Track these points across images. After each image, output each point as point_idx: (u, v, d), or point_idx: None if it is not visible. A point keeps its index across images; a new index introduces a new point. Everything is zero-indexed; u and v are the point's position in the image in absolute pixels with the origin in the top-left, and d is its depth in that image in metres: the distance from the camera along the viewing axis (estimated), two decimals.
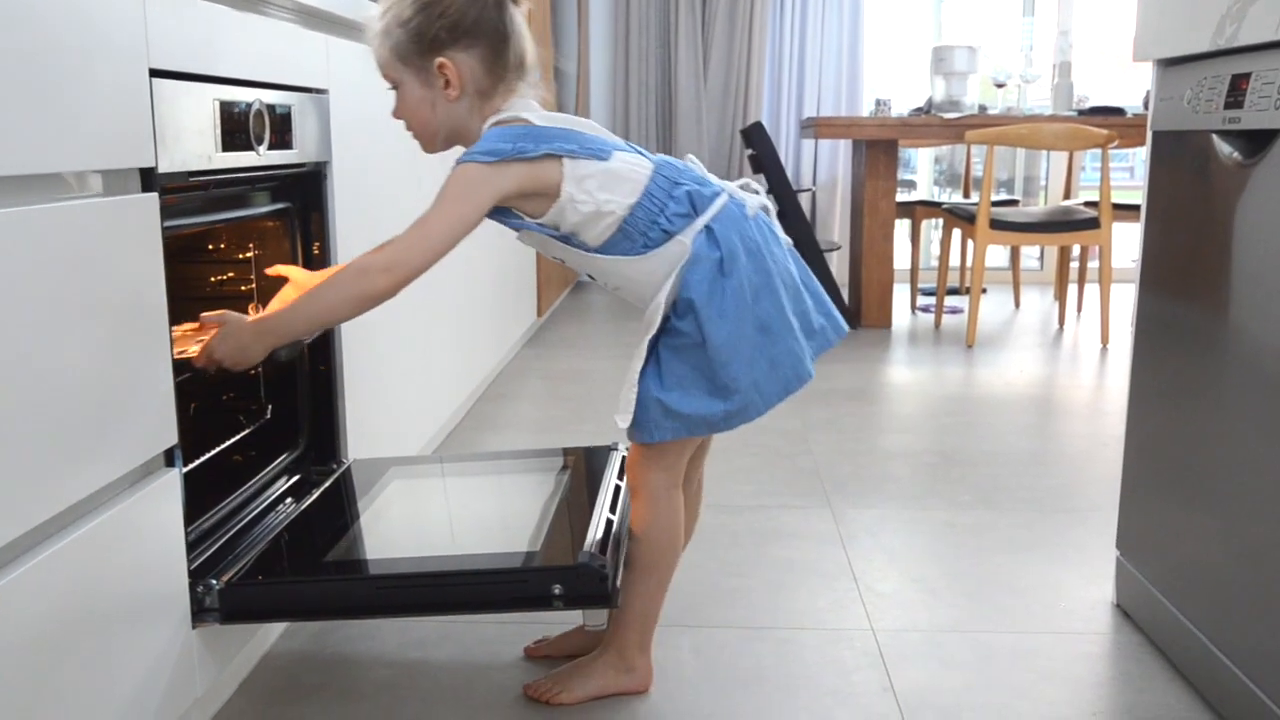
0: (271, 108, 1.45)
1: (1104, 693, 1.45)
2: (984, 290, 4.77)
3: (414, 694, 1.44)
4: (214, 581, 1.27)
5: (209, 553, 1.34)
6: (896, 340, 4.07)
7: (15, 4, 0.91)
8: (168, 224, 1.17)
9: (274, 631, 1.58)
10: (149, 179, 1.14)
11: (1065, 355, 3.81)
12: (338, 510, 1.56)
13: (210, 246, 1.70)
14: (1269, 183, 1.25)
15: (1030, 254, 5.67)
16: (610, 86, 5.55)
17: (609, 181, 1.29)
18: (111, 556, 1.08)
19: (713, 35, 5.39)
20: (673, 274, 1.30)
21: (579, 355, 3.75)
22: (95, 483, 1.05)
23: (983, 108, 4.56)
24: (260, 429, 1.69)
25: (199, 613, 1.26)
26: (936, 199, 5.29)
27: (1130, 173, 7.15)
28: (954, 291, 4.94)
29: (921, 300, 4.86)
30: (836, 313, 1.41)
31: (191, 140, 1.24)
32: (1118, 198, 3.95)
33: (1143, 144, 1.66)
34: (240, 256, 1.69)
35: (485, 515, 1.63)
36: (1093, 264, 4.76)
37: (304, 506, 1.55)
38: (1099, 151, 3.85)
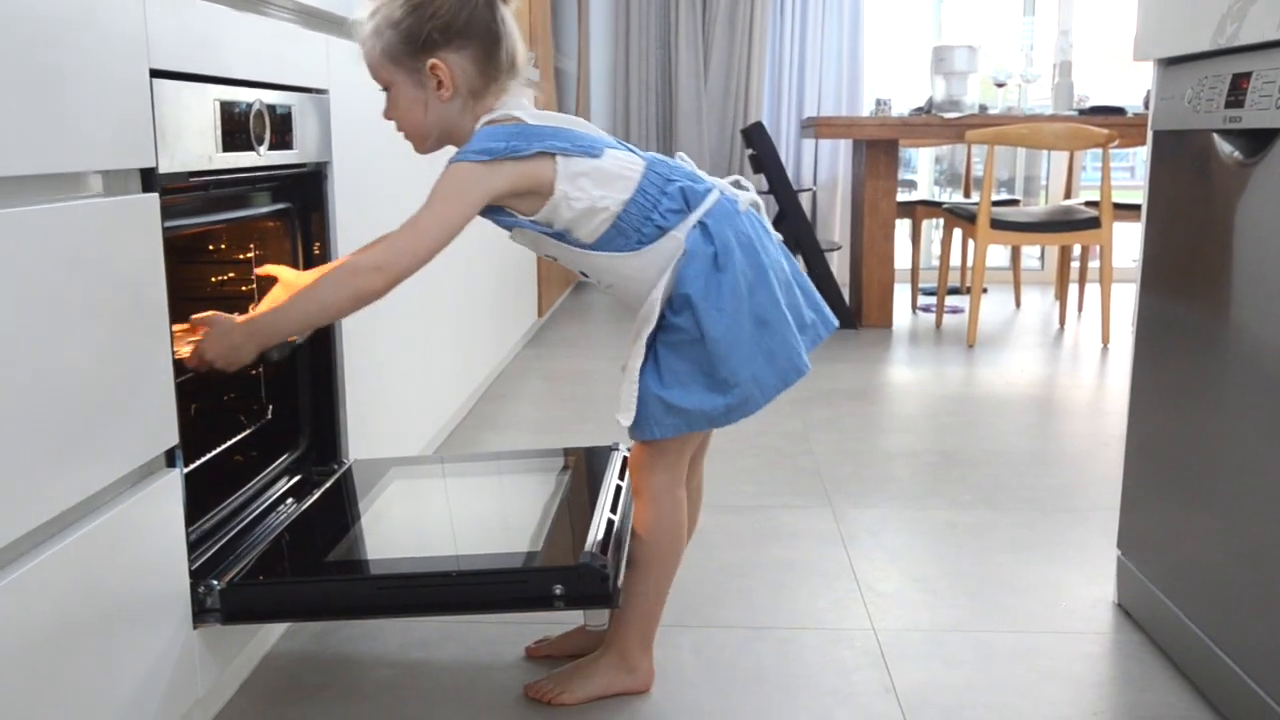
0: (272, 108, 1.45)
1: (1105, 692, 1.45)
2: (985, 290, 4.77)
3: (416, 694, 1.44)
4: (215, 582, 1.27)
5: (210, 553, 1.33)
6: (897, 340, 4.07)
7: (15, 4, 0.91)
8: (168, 224, 1.17)
9: (275, 632, 1.58)
10: (149, 179, 1.14)
11: (1066, 355, 3.81)
12: (339, 510, 1.56)
13: (211, 247, 1.70)
14: (1270, 182, 1.25)
15: (1031, 254, 5.67)
16: (610, 86, 5.55)
17: (602, 178, 1.29)
18: (112, 557, 1.08)
19: (713, 35, 5.39)
20: (667, 270, 1.30)
21: (580, 355, 3.75)
22: (96, 483, 1.05)
23: (983, 107, 4.56)
24: (261, 429, 1.69)
25: (200, 613, 1.26)
26: (937, 199, 5.29)
27: (1131, 172, 7.14)
28: (955, 291, 4.94)
29: (922, 300, 4.86)
30: (826, 308, 1.42)
31: (192, 140, 1.24)
32: (1118, 197, 3.95)
33: (1143, 144, 1.66)
34: (241, 257, 1.69)
35: (486, 515, 1.63)
36: (1093, 264, 4.76)
37: (305, 507, 1.55)
38: (1099, 151, 3.85)
